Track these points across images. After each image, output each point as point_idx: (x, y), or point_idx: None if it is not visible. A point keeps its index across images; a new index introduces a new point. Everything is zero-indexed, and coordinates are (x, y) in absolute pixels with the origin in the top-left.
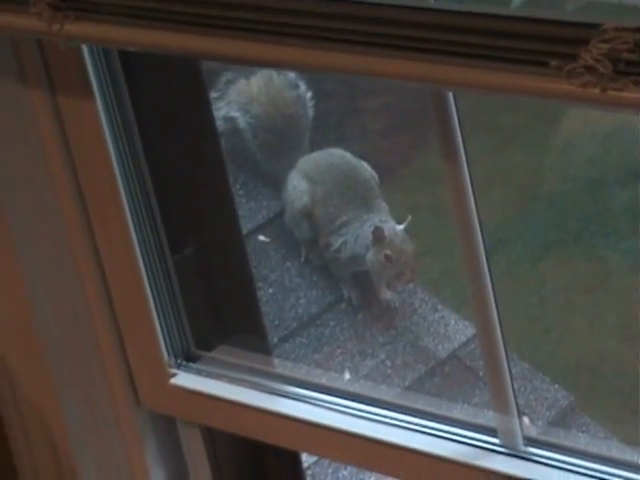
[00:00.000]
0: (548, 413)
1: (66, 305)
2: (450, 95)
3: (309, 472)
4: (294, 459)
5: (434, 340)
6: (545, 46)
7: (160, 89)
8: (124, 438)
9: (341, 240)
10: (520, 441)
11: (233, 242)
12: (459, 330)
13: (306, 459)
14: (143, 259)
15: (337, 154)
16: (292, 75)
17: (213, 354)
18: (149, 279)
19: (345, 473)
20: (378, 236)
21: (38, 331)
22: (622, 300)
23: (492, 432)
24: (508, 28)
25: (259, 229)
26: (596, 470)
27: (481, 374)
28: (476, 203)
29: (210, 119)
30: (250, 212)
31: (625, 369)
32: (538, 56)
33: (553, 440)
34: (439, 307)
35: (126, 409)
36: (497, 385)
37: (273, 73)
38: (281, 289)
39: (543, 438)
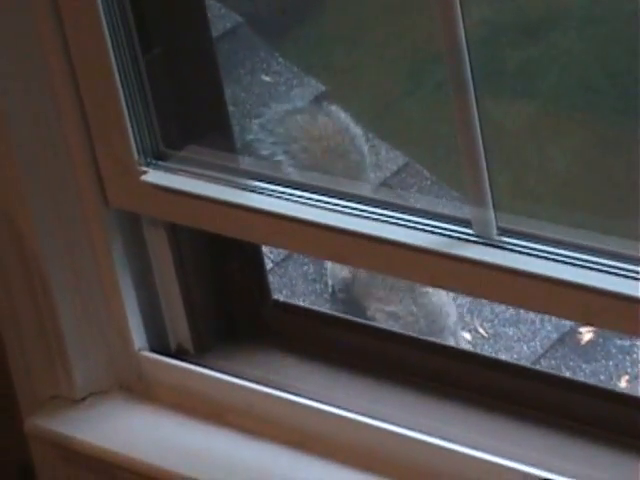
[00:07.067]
0: None
1: (35, 103)
2: None
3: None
4: (257, 261)
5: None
6: None
7: None
8: (91, 237)
9: None
10: (494, 231)
11: (202, 42)
12: (390, 159)
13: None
14: (115, 56)
15: None
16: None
17: (182, 153)
18: (120, 76)
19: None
20: None
21: (6, 127)
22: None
23: (466, 223)
24: None
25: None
26: (565, 256)
27: (412, 201)
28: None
29: None
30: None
31: None
32: None
33: (526, 230)
34: (369, 136)
35: (94, 208)
36: (473, 175)
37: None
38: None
39: (517, 228)
